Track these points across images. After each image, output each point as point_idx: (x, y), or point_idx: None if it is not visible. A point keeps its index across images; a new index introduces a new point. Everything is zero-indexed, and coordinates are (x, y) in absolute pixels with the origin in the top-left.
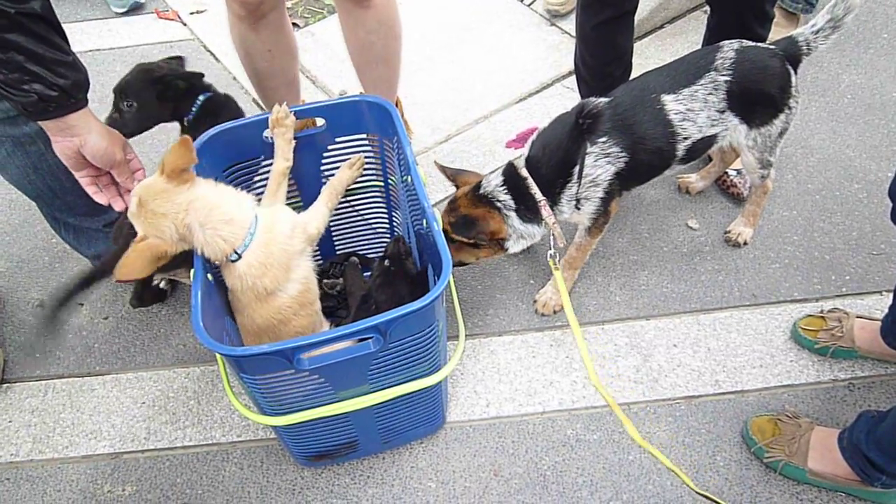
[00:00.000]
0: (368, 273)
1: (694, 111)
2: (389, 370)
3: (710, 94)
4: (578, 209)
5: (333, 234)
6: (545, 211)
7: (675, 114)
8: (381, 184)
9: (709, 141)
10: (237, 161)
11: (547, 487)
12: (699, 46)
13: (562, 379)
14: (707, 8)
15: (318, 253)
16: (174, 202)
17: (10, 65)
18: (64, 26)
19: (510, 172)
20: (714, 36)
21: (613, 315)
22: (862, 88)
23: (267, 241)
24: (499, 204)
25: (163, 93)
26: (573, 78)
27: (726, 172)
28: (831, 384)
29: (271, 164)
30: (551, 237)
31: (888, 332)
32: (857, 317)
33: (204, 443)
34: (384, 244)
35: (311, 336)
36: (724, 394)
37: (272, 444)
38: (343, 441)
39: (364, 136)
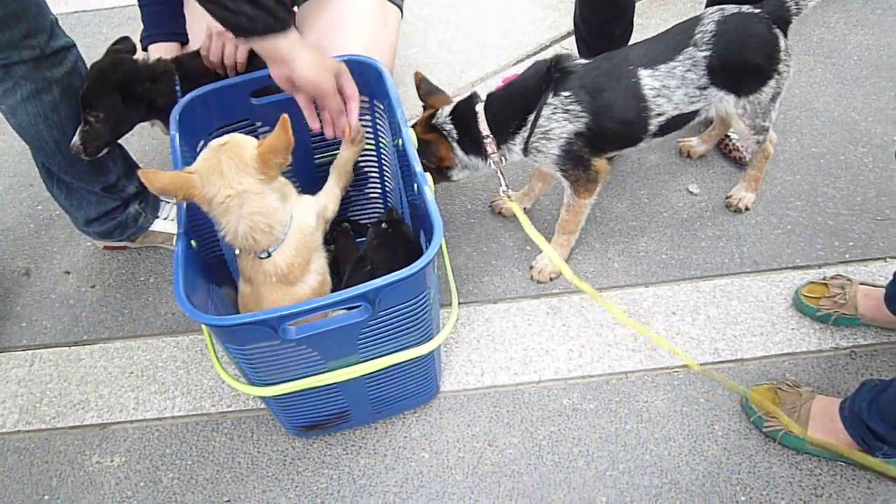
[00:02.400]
0: (361, 240)
1: (670, 88)
2: (380, 339)
3: (689, 70)
4: (530, 156)
5: None
6: (489, 147)
7: (650, 89)
8: (373, 147)
9: (688, 117)
10: (221, 125)
11: (542, 457)
12: (702, 5)
13: (558, 347)
14: None
15: None
16: (240, 178)
17: None
18: None
19: (465, 106)
20: None
21: (611, 282)
22: (869, 49)
23: (297, 242)
24: (444, 132)
25: (128, 95)
26: (572, 39)
27: (727, 136)
28: (833, 352)
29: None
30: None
31: (892, 300)
32: (861, 284)
33: (193, 413)
34: (377, 210)
35: (296, 305)
36: (723, 362)
37: (262, 415)
38: (334, 411)
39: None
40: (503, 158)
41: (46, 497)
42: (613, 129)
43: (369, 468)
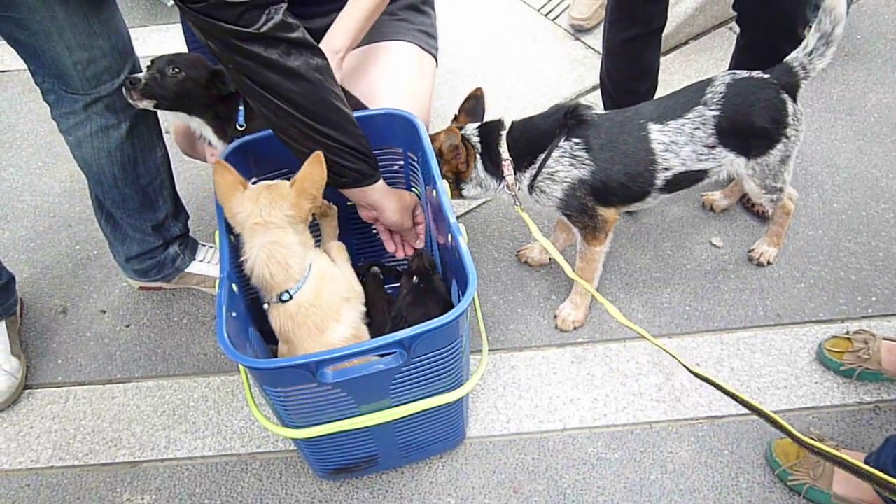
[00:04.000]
0: (392, 285)
1: (678, 144)
2: (412, 385)
3: (698, 128)
4: (533, 195)
5: (356, 244)
6: (507, 169)
7: (658, 143)
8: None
9: (696, 175)
10: (263, 174)
11: None
12: (725, 63)
13: (583, 396)
14: (733, 26)
15: None
16: (271, 210)
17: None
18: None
19: (491, 127)
20: (743, 54)
21: (635, 333)
22: (889, 107)
23: (319, 286)
24: (471, 144)
25: (212, 81)
26: (597, 92)
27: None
28: (857, 407)
29: None
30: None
31: None
32: (884, 339)
33: (223, 453)
34: (407, 255)
35: (334, 350)
36: (747, 415)
37: (291, 457)
38: (363, 455)
39: (391, 149)
40: (516, 184)
41: None
42: (619, 180)
43: None
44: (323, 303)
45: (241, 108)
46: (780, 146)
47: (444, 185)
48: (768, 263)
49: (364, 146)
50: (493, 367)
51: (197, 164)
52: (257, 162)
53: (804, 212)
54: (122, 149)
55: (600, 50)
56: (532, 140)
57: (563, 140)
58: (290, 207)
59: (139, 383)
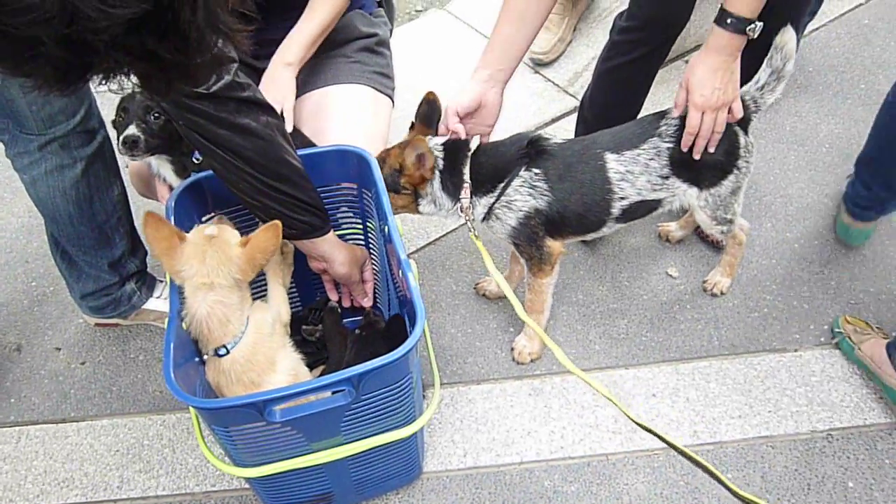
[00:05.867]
0: (349, 318)
1: (634, 174)
2: (363, 422)
3: (652, 159)
4: (487, 221)
5: (313, 279)
6: (464, 192)
7: (615, 173)
8: (361, 231)
9: (651, 205)
10: (222, 210)
11: None
12: None
13: (539, 428)
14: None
15: (297, 299)
16: (218, 271)
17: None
18: None
19: (458, 146)
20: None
21: (592, 364)
22: (840, 137)
23: (255, 340)
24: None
25: None
26: (556, 125)
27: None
28: (810, 435)
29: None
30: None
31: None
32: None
33: (178, 492)
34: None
35: (282, 388)
36: (702, 445)
37: (246, 495)
38: (318, 493)
39: (345, 184)
40: (471, 208)
41: None
42: (576, 210)
43: None
44: (259, 357)
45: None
46: (731, 177)
47: (395, 222)
48: (722, 294)
49: (314, 199)
50: (450, 400)
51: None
52: (215, 198)
53: (758, 241)
54: (77, 188)
55: (560, 83)
56: (495, 167)
57: (523, 170)
58: (238, 272)
59: (93, 422)
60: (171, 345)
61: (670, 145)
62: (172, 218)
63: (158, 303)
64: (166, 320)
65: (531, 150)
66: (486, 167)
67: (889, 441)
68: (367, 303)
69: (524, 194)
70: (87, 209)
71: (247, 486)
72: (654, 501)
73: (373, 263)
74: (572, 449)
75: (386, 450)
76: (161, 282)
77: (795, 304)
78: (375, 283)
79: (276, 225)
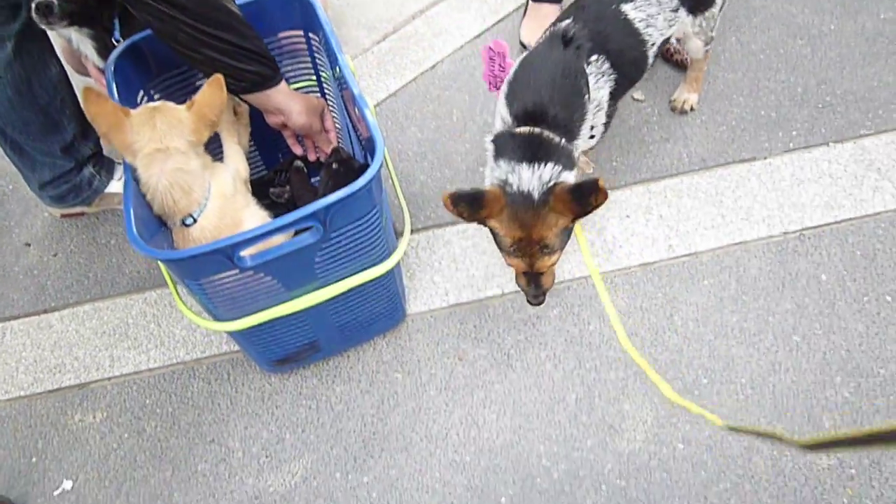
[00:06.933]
0: (315, 178)
1: (653, 16)
2: (337, 262)
3: None
4: (592, 139)
5: (274, 141)
6: (576, 152)
7: (640, 22)
8: (314, 82)
9: (665, 43)
10: (162, 76)
11: (511, 365)
12: None
13: None
14: None
15: (260, 163)
16: (172, 135)
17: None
18: None
19: (521, 148)
20: None
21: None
22: None
23: (220, 206)
24: (552, 183)
25: None
26: None
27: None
28: (782, 237)
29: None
30: None
31: None
32: None
33: (169, 363)
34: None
35: (248, 231)
36: (677, 257)
37: (237, 357)
38: (304, 342)
39: (291, 33)
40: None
41: (34, 459)
42: (629, 73)
43: (345, 394)
44: (227, 220)
45: (116, 20)
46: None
47: (346, 60)
48: (691, 109)
49: (259, 47)
50: (426, 244)
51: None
52: (157, 61)
53: (723, 55)
54: (11, 69)
55: None
56: (566, 97)
57: (587, 66)
58: (191, 133)
59: (75, 309)
60: (130, 202)
61: None
62: (114, 85)
63: (120, 185)
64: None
65: (572, 43)
66: (562, 108)
67: (859, 234)
68: (331, 146)
69: (603, 85)
70: (26, 92)
71: (235, 348)
72: (634, 314)
73: (332, 115)
74: None
75: (364, 291)
76: (119, 164)
77: (763, 113)
78: (338, 133)
79: (218, 78)
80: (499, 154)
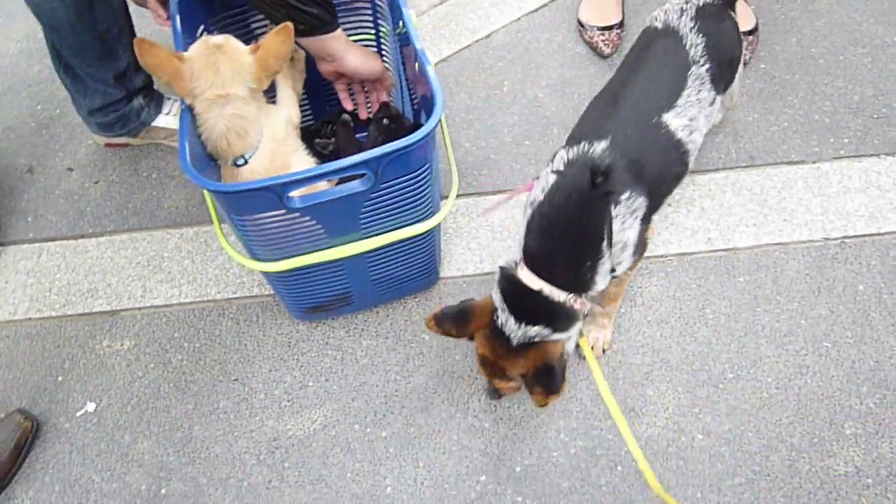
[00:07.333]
0: (361, 135)
1: (696, 119)
2: (382, 214)
3: (700, 91)
4: (614, 276)
5: (325, 90)
6: (578, 305)
7: (682, 130)
8: (373, 36)
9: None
10: (224, 13)
11: None
12: None
13: None
14: None
15: (309, 112)
16: (234, 81)
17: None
18: None
19: (516, 294)
20: None
21: None
22: None
23: (271, 150)
24: (537, 339)
25: None
26: None
27: None
28: (823, 242)
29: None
30: None
31: None
32: None
33: (200, 299)
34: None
35: (301, 171)
36: (715, 251)
37: (267, 301)
38: (337, 293)
39: None
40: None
41: (60, 378)
42: (667, 191)
43: (371, 349)
44: (277, 164)
45: None
46: (740, 66)
47: (411, 15)
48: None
49: None
50: (465, 210)
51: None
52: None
53: (781, 56)
54: None
55: None
56: (577, 247)
57: (614, 208)
58: (253, 81)
59: (112, 237)
60: (186, 133)
61: (707, 66)
62: (178, 18)
63: (168, 119)
64: (176, 138)
65: (601, 182)
66: (570, 259)
67: None
68: (385, 97)
69: (632, 224)
70: (87, 17)
71: (267, 292)
72: (666, 302)
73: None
74: None
75: (403, 248)
76: (169, 98)
77: (817, 118)
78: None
79: (287, 27)
80: (499, 285)
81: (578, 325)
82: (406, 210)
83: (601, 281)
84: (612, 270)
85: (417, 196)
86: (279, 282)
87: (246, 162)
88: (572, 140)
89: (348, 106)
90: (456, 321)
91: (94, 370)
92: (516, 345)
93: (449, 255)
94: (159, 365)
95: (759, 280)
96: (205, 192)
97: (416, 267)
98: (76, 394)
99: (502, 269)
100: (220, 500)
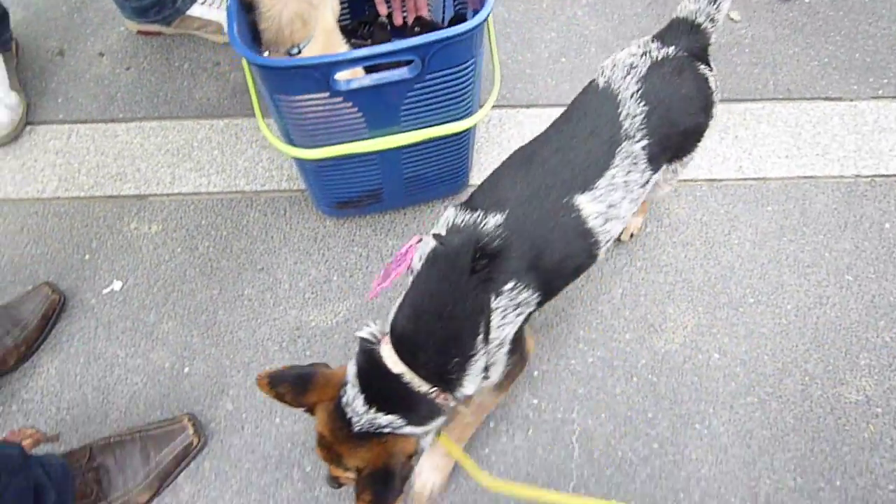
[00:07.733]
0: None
1: (617, 206)
2: (423, 108)
3: (630, 171)
4: (486, 379)
5: None
6: (441, 400)
7: (596, 218)
8: None
9: None
10: None
11: None
12: None
13: None
14: None
15: (347, 11)
16: None
17: None
18: None
19: (373, 373)
20: None
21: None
22: None
23: (324, 40)
24: (386, 430)
25: None
26: None
27: None
28: (853, 179)
29: None
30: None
31: None
32: None
33: (228, 190)
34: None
35: (348, 52)
36: (745, 179)
37: (296, 195)
38: (368, 189)
39: None
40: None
41: (87, 256)
42: (564, 283)
43: (397, 248)
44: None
45: None
46: (706, 133)
47: None
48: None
49: None
50: (498, 121)
51: None
52: None
53: None
54: None
55: None
56: (447, 338)
57: (493, 299)
58: None
59: (142, 123)
60: (235, 9)
61: (646, 142)
62: None
63: (203, 9)
64: (210, 29)
65: (482, 267)
66: (437, 349)
67: None
68: (423, 8)
69: (513, 319)
70: None
71: (296, 187)
72: (693, 225)
73: None
74: None
75: (439, 147)
76: None
77: (857, 56)
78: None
79: None
80: (356, 358)
81: (440, 421)
82: (447, 106)
83: (470, 383)
84: (486, 370)
85: (460, 92)
86: (313, 173)
87: (299, 51)
88: (470, 201)
89: (383, 10)
90: (294, 386)
91: (122, 251)
92: (357, 431)
93: (479, 164)
94: (186, 250)
95: (787, 210)
96: (247, 72)
97: (448, 169)
98: (103, 272)
99: (363, 340)
100: (242, 382)
